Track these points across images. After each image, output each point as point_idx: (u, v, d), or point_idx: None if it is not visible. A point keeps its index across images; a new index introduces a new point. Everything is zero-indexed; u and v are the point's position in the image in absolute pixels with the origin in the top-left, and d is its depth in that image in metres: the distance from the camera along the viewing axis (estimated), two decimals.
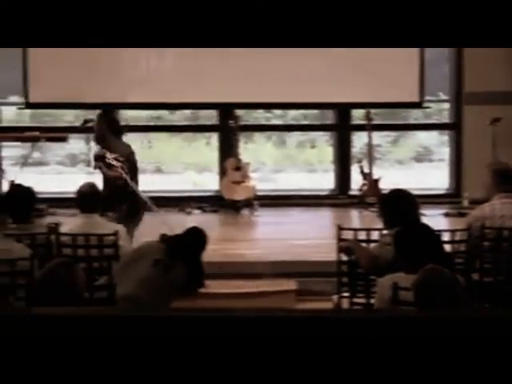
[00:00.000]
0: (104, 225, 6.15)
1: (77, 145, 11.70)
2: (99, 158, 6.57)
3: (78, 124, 10.45)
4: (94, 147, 7.59)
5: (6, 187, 9.72)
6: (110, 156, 6.60)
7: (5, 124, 11.31)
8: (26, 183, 6.39)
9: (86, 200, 6.13)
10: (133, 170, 6.90)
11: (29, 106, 10.86)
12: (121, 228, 6.12)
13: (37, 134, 10.20)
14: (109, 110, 8.03)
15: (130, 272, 5.31)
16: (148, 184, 11.49)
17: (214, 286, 7.10)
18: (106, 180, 6.76)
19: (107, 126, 6.92)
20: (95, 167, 6.75)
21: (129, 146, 6.99)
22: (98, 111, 8.35)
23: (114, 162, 6.60)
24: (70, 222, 6.50)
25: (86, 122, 10.24)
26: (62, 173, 12.01)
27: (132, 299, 5.07)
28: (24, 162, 10.09)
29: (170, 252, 5.44)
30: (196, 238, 5.70)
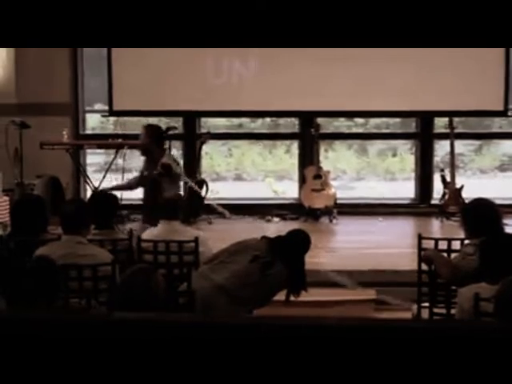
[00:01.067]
0: (184, 231, 6.21)
1: None
2: (165, 167, 6.56)
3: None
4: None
5: (89, 194, 9.91)
6: (174, 167, 6.59)
7: (89, 131, 11.53)
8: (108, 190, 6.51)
9: (166, 207, 6.21)
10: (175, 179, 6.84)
11: (113, 113, 11.05)
12: (201, 234, 6.17)
13: (120, 141, 10.37)
14: (153, 124, 8.01)
15: (229, 263, 5.40)
16: (229, 191, 11.60)
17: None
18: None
19: (153, 139, 6.89)
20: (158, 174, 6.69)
21: (173, 157, 6.92)
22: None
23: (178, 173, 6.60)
24: (151, 229, 6.58)
25: (168, 129, 10.38)
26: None
27: (223, 289, 5.15)
28: (107, 168, 10.26)
29: (271, 250, 5.48)
30: (299, 239, 5.74)
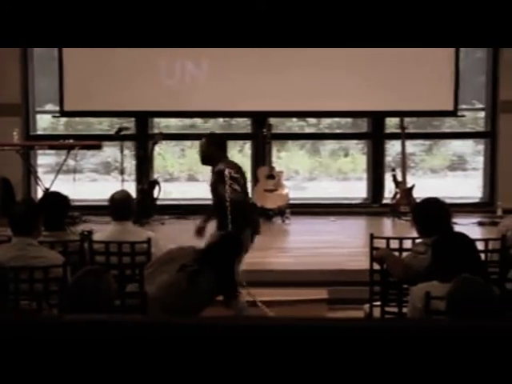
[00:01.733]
0: (136, 232, 6.18)
1: (111, 153, 11.79)
2: (218, 174, 6.39)
3: (112, 132, 10.55)
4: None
5: (40, 195, 9.82)
6: (227, 174, 6.42)
7: (40, 132, 11.41)
8: (60, 191, 6.44)
9: (118, 207, 6.16)
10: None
11: (64, 114, 10.95)
12: (153, 235, 6.14)
13: (71, 141, 10.29)
14: (215, 133, 7.83)
15: (157, 274, 5.34)
16: (181, 192, 11.57)
17: (244, 295, 7.11)
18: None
19: (216, 147, 6.73)
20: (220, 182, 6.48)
21: (236, 165, 6.72)
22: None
23: (232, 182, 6.43)
24: (102, 230, 6.54)
25: (120, 129, 10.33)
26: (95, 180, 12.10)
27: (156, 302, 5.09)
28: (58, 169, 10.18)
29: (199, 258, 5.44)
30: (228, 244, 5.70)
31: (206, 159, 6.81)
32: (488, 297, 3.99)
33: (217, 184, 6.43)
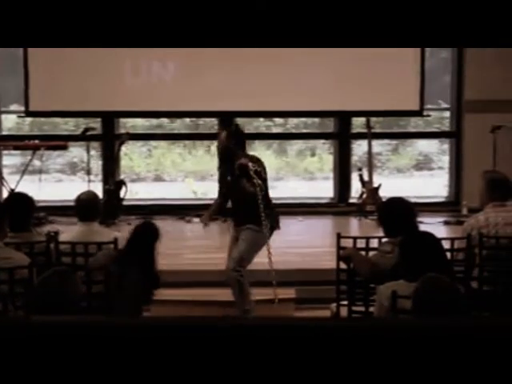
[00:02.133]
0: (103, 233, 6.14)
1: (77, 153, 11.73)
2: (242, 168, 6.29)
3: (78, 132, 10.49)
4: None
5: (5, 195, 9.74)
6: (252, 168, 6.32)
7: (5, 132, 11.32)
8: (25, 191, 6.39)
9: (84, 208, 6.12)
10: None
11: (29, 114, 10.87)
12: (120, 235, 6.11)
13: (36, 142, 10.22)
14: (237, 126, 7.77)
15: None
16: (148, 192, 11.54)
17: (212, 294, 7.11)
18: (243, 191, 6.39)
19: (236, 142, 6.63)
20: (233, 176, 6.38)
21: (256, 158, 6.64)
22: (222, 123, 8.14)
23: (255, 177, 6.34)
24: (69, 231, 6.49)
25: (86, 130, 10.27)
26: (61, 181, 12.02)
27: None
28: (24, 170, 10.10)
29: (121, 260, 5.38)
30: (145, 233, 5.62)
31: (225, 155, 6.73)
32: (454, 295, 4.03)
33: (241, 179, 6.33)
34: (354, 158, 11.57)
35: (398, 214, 5.47)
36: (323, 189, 11.62)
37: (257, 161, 6.49)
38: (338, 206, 11.15)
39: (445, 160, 11.79)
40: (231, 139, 6.62)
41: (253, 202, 6.37)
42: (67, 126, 11.73)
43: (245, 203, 6.45)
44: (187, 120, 11.74)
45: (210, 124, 11.57)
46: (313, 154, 12.32)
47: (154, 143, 12.18)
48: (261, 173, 6.38)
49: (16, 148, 10.52)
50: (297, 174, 12.29)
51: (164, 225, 10.23)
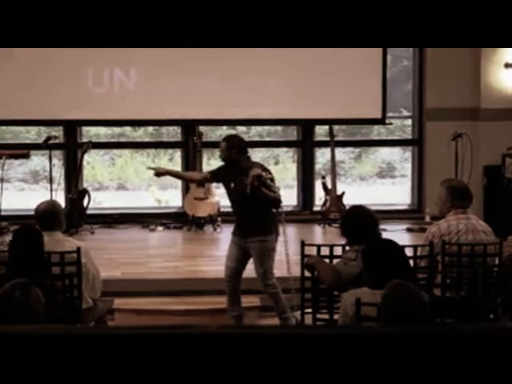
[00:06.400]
0: (66, 242, 6.08)
1: (39, 162, 11.64)
2: (259, 179, 6.21)
3: (40, 141, 10.41)
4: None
5: None
6: (266, 176, 6.28)
7: None
8: None
9: (44, 218, 6.05)
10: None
11: None
12: (83, 245, 6.06)
13: None
14: (233, 134, 7.71)
15: None
16: (111, 201, 11.48)
17: (175, 303, 7.09)
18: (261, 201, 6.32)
19: (238, 149, 6.55)
20: (251, 188, 6.30)
21: (261, 165, 6.60)
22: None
23: (272, 184, 6.30)
24: None
25: (48, 138, 10.20)
26: (23, 190, 11.92)
27: None
28: None
29: (14, 275, 5.10)
30: (23, 240, 5.52)
31: (231, 166, 6.64)
32: (420, 302, 4.06)
33: (258, 190, 6.26)
34: (318, 166, 11.61)
35: (359, 223, 5.49)
36: (287, 197, 11.61)
37: (264, 169, 6.47)
38: (302, 213, 11.17)
39: (407, 168, 11.87)
40: (232, 149, 6.57)
41: (268, 210, 6.46)
42: (29, 134, 11.64)
43: (259, 212, 6.42)
44: (150, 128, 11.70)
45: (173, 132, 11.55)
46: (276, 162, 12.34)
47: (116, 152, 12.13)
48: (273, 179, 6.40)
49: None
50: None
51: (127, 233, 10.25)
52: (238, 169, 6.43)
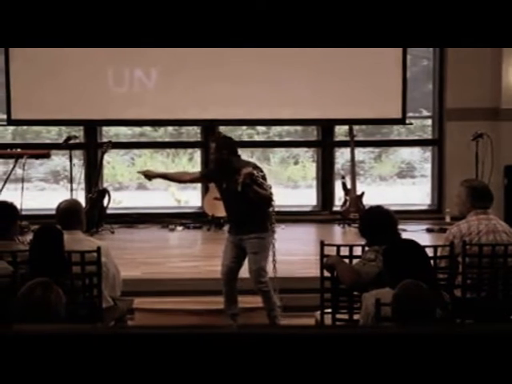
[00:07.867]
0: (86, 241, 6.09)
1: (60, 161, 11.69)
2: (251, 177, 6.27)
3: (60, 141, 10.45)
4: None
5: None
6: (258, 174, 6.35)
7: None
8: (7, 200, 6.35)
9: (64, 216, 6.06)
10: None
11: (11, 122, 10.82)
12: (103, 244, 6.08)
13: (19, 150, 10.18)
14: (225, 135, 7.76)
15: None
16: (131, 200, 11.51)
17: (194, 303, 7.10)
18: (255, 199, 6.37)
19: (229, 150, 6.58)
20: (242, 186, 6.34)
21: (253, 164, 6.63)
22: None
23: (264, 182, 6.36)
24: None
25: (69, 138, 10.24)
26: (44, 189, 11.97)
27: None
28: (6, 178, 10.05)
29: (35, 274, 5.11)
30: (43, 240, 5.51)
31: (221, 167, 6.66)
32: (431, 301, 4.05)
33: (250, 187, 6.30)
34: (337, 166, 11.59)
35: (378, 223, 5.48)
36: (306, 197, 11.63)
37: (256, 167, 6.51)
38: (321, 213, 11.16)
39: (427, 168, 11.83)
40: (222, 150, 6.59)
41: (262, 208, 6.49)
42: (50, 134, 11.69)
43: (253, 210, 6.45)
44: (170, 128, 11.72)
45: (193, 132, 11.56)
46: (296, 162, 12.33)
47: (136, 151, 12.15)
48: (265, 177, 6.44)
49: None
50: (280, 182, 12.29)
51: (147, 233, 10.28)
52: (229, 169, 6.47)
